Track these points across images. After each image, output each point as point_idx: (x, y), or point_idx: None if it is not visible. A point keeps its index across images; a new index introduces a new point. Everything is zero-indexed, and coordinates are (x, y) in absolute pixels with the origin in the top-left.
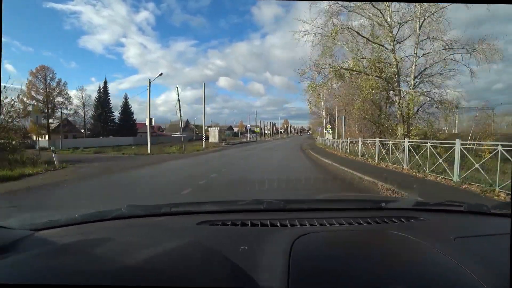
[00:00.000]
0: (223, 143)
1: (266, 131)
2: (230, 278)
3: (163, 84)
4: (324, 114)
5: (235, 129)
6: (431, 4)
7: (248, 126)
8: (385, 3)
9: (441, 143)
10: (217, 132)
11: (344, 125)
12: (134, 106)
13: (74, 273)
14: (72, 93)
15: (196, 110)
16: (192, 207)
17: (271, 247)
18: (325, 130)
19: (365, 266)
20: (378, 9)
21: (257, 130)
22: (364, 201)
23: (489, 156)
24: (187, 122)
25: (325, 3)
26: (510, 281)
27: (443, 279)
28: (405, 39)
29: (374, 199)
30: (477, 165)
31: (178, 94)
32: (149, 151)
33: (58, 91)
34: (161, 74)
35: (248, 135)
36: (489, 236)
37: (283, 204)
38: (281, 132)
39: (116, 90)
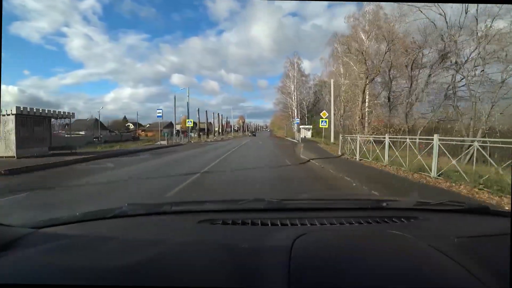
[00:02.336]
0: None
1: (216, 128)
2: (231, 277)
3: (113, 80)
4: (296, 105)
5: (178, 127)
6: None
7: (160, 108)
8: None
9: None
10: (11, 126)
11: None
12: (79, 104)
13: (74, 271)
14: None
15: (150, 109)
16: (193, 206)
17: (272, 246)
18: (321, 122)
19: (366, 266)
20: None
21: (188, 123)
22: (365, 201)
23: None
24: (124, 118)
25: None
26: (510, 281)
27: (444, 279)
28: None
29: (375, 199)
30: None
31: None
32: None
33: None
34: None
35: (166, 136)
36: (490, 236)
37: (284, 203)
38: (235, 130)
39: (57, 86)
